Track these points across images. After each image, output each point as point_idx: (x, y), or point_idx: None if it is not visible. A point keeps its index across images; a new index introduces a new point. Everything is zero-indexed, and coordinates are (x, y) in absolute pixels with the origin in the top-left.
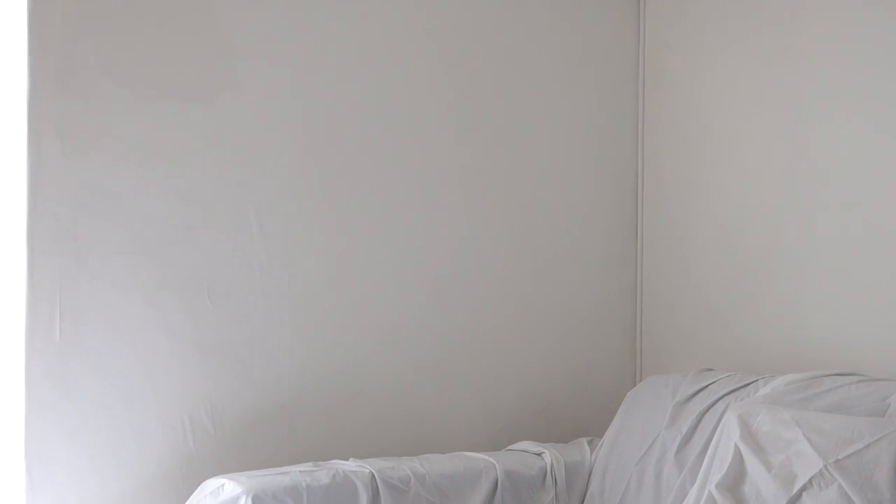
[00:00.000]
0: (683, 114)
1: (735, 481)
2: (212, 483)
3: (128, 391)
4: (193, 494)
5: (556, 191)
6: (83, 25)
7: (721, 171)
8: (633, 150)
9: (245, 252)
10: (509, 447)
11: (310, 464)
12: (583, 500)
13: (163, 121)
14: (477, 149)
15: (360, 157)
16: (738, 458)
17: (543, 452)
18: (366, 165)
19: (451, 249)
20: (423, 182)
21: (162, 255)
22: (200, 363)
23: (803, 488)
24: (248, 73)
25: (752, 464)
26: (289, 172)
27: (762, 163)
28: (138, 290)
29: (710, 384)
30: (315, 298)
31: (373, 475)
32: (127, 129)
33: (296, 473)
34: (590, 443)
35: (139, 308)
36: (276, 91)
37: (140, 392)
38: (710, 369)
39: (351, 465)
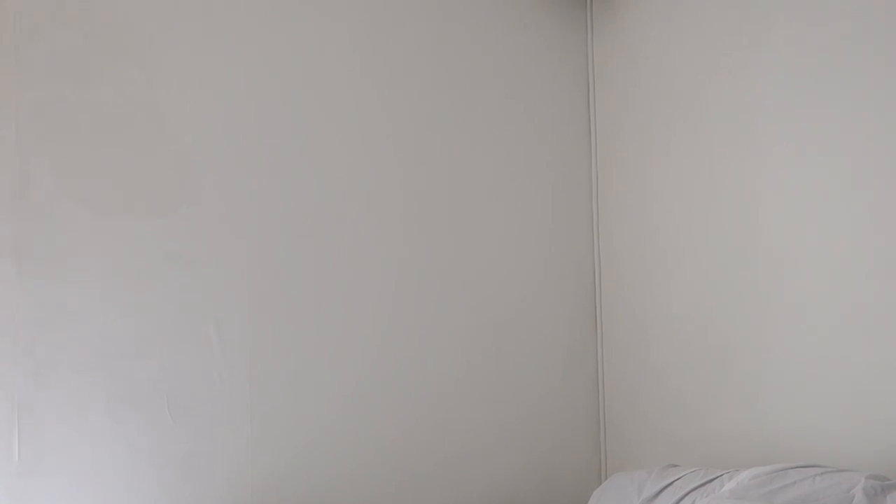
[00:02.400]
0: (637, 206)
1: None
2: None
3: None
4: None
5: (516, 286)
6: (38, 142)
7: (677, 263)
8: (589, 244)
9: (205, 364)
10: None
11: None
12: None
13: (120, 236)
14: (438, 247)
15: (318, 265)
16: None
17: None
18: (322, 266)
19: (412, 354)
20: (381, 286)
21: (121, 369)
22: (161, 479)
23: None
24: (205, 185)
25: None
26: (247, 283)
27: (718, 253)
28: (98, 406)
29: (676, 480)
30: (277, 410)
31: None
32: (84, 245)
33: None
34: None
35: (99, 424)
36: (232, 203)
37: None
38: (675, 465)
39: None
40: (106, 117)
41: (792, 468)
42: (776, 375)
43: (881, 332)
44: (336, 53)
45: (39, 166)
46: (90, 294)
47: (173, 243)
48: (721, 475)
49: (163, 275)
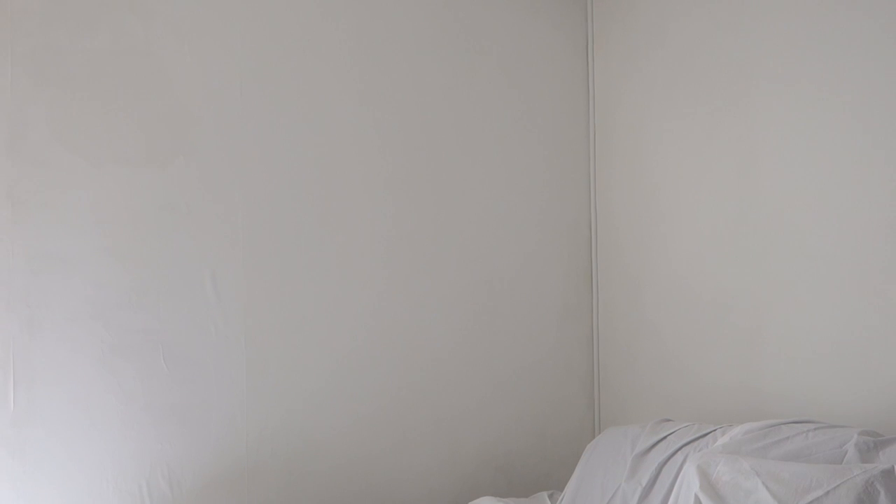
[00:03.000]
0: (635, 165)
1: None
2: None
3: (84, 457)
4: None
5: (511, 245)
6: (33, 91)
7: (674, 221)
8: (586, 203)
9: (201, 315)
10: (470, 503)
11: None
12: None
13: (115, 186)
14: (433, 204)
15: (315, 218)
16: None
17: None
18: (319, 223)
19: (407, 302)
20: (378, 239)
21: (116, 319)
22: (156, 427)
23: None
24: (201, 136)
25: None
26: (244, 236)
27: (714, 213)
28: (93, 354)
29: (669, 435)
30: (272, 360)
31: None
32: (79, 194)
33: None
34: (550, 496)
35: (94, 373)
36: (230, 154)
37: (96, 458)
38: (669, 420)
39: None
40: (102, 65)
41: (785, 424)
42: (771, 332)
43: (877, 290)
44: (337, 10)
45: (34, 114)
46: (85, 243)
47: (169, 193)
48: (714, 430)
49: (159, 225)
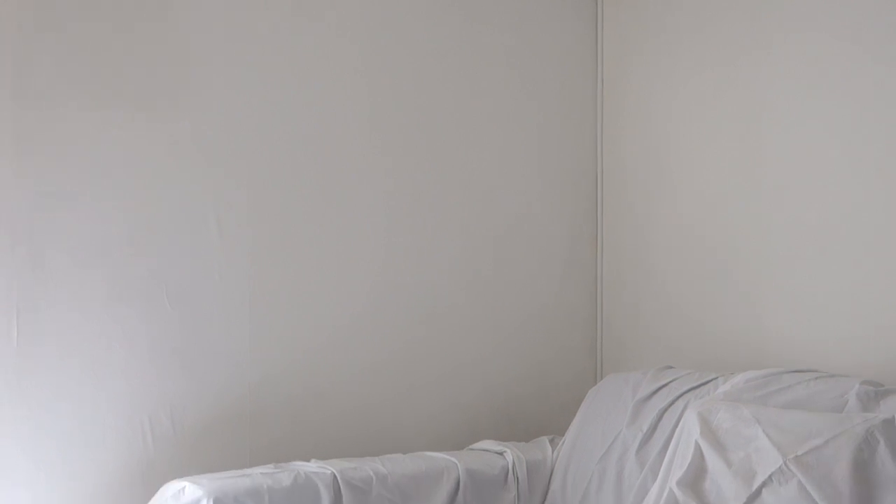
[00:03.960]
0: (642, 114)
1: (696, 478)
2: (172, 486)
3: (86, 395)
4: (154, 497)
5: (516, 190)
6: (40, 30)
7: (680, 170)
8: (593, 149)
9: (204, 255)
10: (471, 446)
11: (271, 465)
12: (544, 499)
13: (120, 125)
14: (436, 149)
15: (320, 160)
16: (699, 456)
17: (505, 451)
18: (325, 168)
19: (411, 250)
20: (382, 182)
21: (120, 258)
22: (159, 366)
23: (763, 484)
24: (207, 77)
25: (713, 461)
26: (248, 177)
27: (720, 163)
28: (96, 294)
29: (670, 382)
30: (275, 300)
31: (334, 476)
32: (84, 133)
33: (257, 475)
34: (551, 441)
35: (97, 312)
36: (234, 96)
37: (99, 396)
38: (670, 367)
39: (312, 466)
40: (111, 5)
41: (787, 372)
42: (774, 282)
43: (879, 240)
44: None
45: (40, 54)
46: (89, 182)
47: (176, 136)
48: (716, 378)
49: (164, 167)
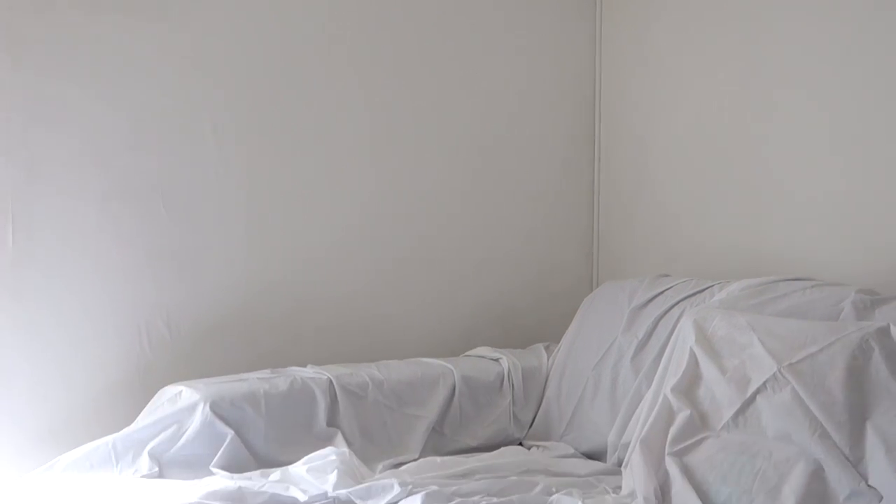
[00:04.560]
0: (641, 25)
1: (690, 385)
2: (169, 390)
3: (83, 299)
4: (151, 401)
5: (514, 99)
6: None
7: (676, 80)
8: (591, 59)
9: (201, 161)
10: (466, 353)
11: (267, 371)
12: (539, 405)
13: (116, 32)
14: (432, 56)
15: (317, 67)
16: (694, 363)
17: (501, 358)
18: (322, 75)
19: (408, 157)
20: (378, 90)
21: (115, 163)
22: (156, 271)
23: (757, 391)
24: None
25: (707, 368)
26: (247, 85)
27: (719, 70)
28: (92, 198)
29: (666, 290)
30: (272, 205)
31: (331, 381)
32: (80, 39)
33: (253, 380)
34: (546, 348)
35: (93, 216)
36: (231, 2)
37: (95, 300)
38: (667, 275)
39: (309, 372)
40: None
41: (783, 280)
42: (771, 190)
43: (877, 150)
44: None
45: None
46: (85, 87)
47: (171, 40)
48: (712, 286)
49: (160, 71)
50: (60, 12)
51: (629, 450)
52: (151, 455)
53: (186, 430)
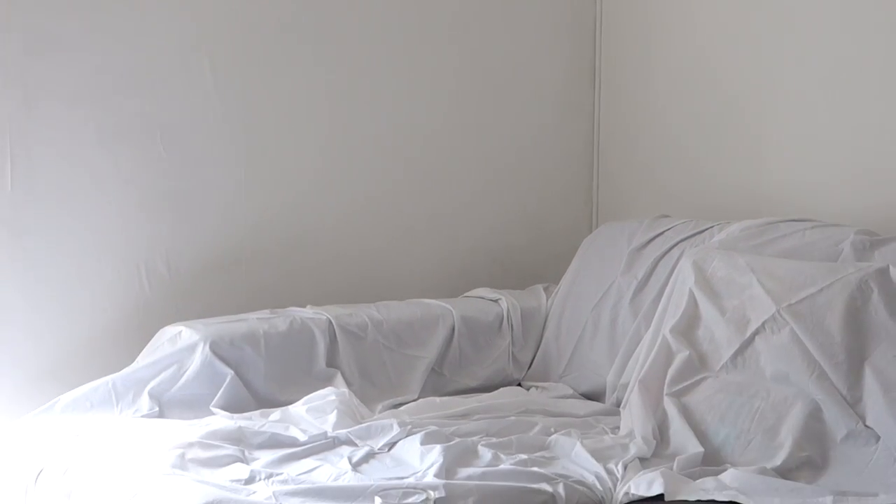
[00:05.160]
0: None
1: (689, 326)
2: (169, 330)
3: (81, 239)
4: (151, 342)
5: (511, 35)
6: None
7: (677, 18)
8: None
9: (199, 99)
10: (466, 294)
11: (267, 311)
12: (538, 346)
13: None
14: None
15: (315, 7)
16: (693, 303)
17: (500, 299)
18: (320, 14)
19: (405, 93)
20: (380, 36)
21: (113, 101)
22: (154, 210)
23: (756, 332)
24: None
25: (706, 308)
26: (243, 21)
27: (722, 8)
28: (90, 137)
29: (666, 231)
30: (270, 145)
31: (330, 322)
32: None
33: (253, 320)
34: (546, 289)
35: (91, 155)
36: None
37: (94, 239)
38: (666, 216)
39: (308, 312)
40: None
41: (782, 221)
42: (773, 131)
43: (882, 89)
44: None
45: None
46: (82, 23)
47: None
48: (712, 227)
49: (157, 7)
50: None
51: (628, 390)
52: (151, 395)
53: (186, 370)
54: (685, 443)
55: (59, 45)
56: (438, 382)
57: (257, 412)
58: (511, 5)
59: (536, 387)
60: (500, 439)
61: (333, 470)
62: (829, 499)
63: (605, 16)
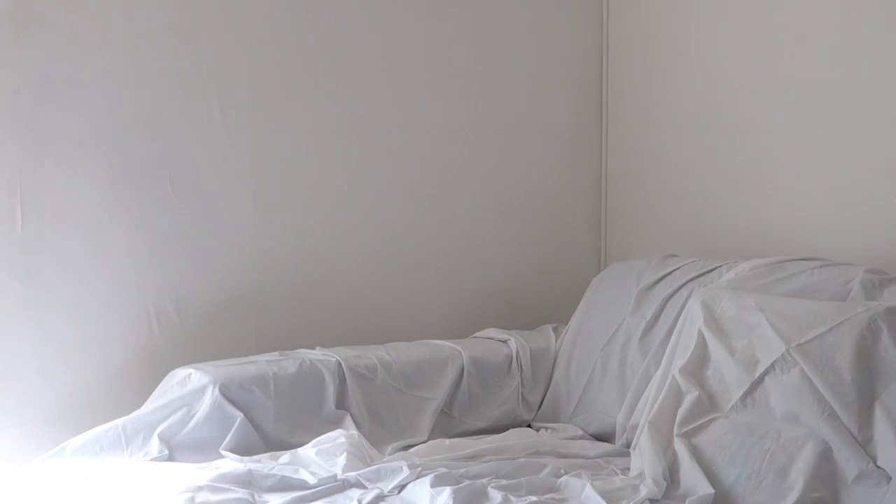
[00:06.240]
0: None
1: (698, 366)
2: (178, 373)
3: (92, 282)
4: (160, 384)
5: (520, 75)
6: None
7: (685, 52)
8: (598, 33)
9: (208, 141)
10: (475, 335)
11: (276, 353)
12: (548, 386)
13: (121, 9)
14: (440, 33)
15: (325, 46)
16: (702, 343)
17: (509, 339)
18: (330, 54)
19: (415, 134)
20: (387, 69)
21: (123, 145)
22: (164, 253)
23: (765, 372)
24: None
25: (716, 348)
26: (252, 61)
27: (727, 46)
28: (100, 180)
29: (674, 270)
30: (278, 186)
31: (339, 363)
32: (84, 17)
33: (262, 363)
34: (555, 329)
35: (101, 199)
36: None
37: (104, 283)
38: (675, 255)
39: (317, 354)
40: None
41: (791, 260)
42: (780, 170)
43: (888, 127)
44: None
45: None
46: (91, 67)
47: (177, 18)
48: (720, 266)
49: (165, 48)
50: None
51: (638, 431)
52: (161, 438)
53: (196, 412)
54: (695, 484)
55: (68, 89)
56: (448, 424)
57: (267, 455)
58: (520, 53)
59: (546, 428)
60: (510, 481)
61: None
62: None
63: (612, 61)
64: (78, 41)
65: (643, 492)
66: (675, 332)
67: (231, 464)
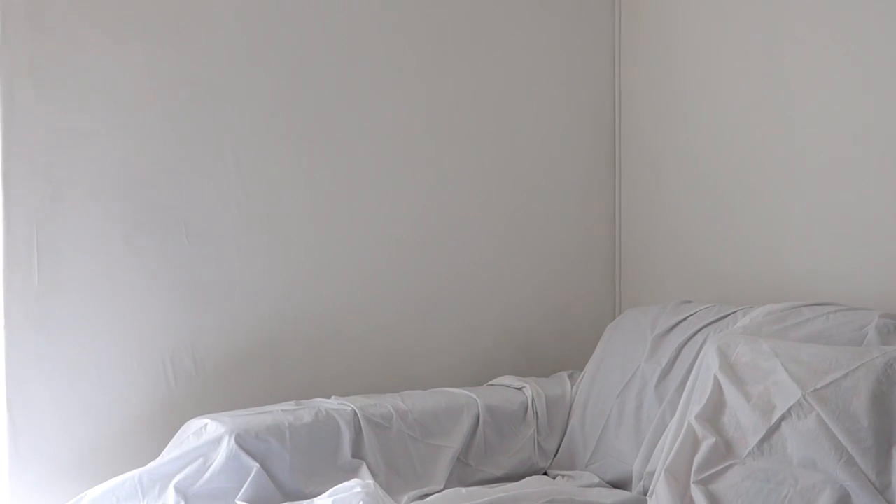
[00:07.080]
0: (659, 46)
1: (714, 412)
2: (195, 423)
3: (108, 333)
4: (176, 435)
5: (535, 126)
6: None
7: (696, 103)
8: (610, 84)
9: (223, 191)
10: (490, 382)
11: (292, 402)
12: (564, 434)
13: (136, 60)
14: (455, 84)
15: (339, 93)
16: (718, 390)
17: (524, 387)
18: (344, 101)
19: (430, 185)
20: (401, 119)
21: (138, 195)
22: (180, 304)
23: (782, 418)
24: (221, 10)
25: (732, 395)
26: (266, 110)
27: (738, 94)
28: (115, 231)
29: (690, 316)
30: (295, 236)
31: (355, 412)
32: (100, 68)
33: (278, 412)
34: (570, 376)
35: (117, 249)
36: (249, 28)
37: (120, 334)
38: (689, 301)
39: (333, 403)
40: None
41: (806, 306)
42: (793, 214)
43: None
44: None
45: None
46: (106, 118)
47: (191, 69)
48: (735, 312)
49: (180, 101)
50: (82, 44)
51: (654, 478)
52: (177, 489)
53: (212, 463)
54: None
55: (84, 140)
56: (464, 472)
57: None
58: (533, 96)
59: (562, 475)
60: None
61: None
62: None
63: (625, 104)
64: (93, 93)
65: None
66: (691, 378)
67: None
